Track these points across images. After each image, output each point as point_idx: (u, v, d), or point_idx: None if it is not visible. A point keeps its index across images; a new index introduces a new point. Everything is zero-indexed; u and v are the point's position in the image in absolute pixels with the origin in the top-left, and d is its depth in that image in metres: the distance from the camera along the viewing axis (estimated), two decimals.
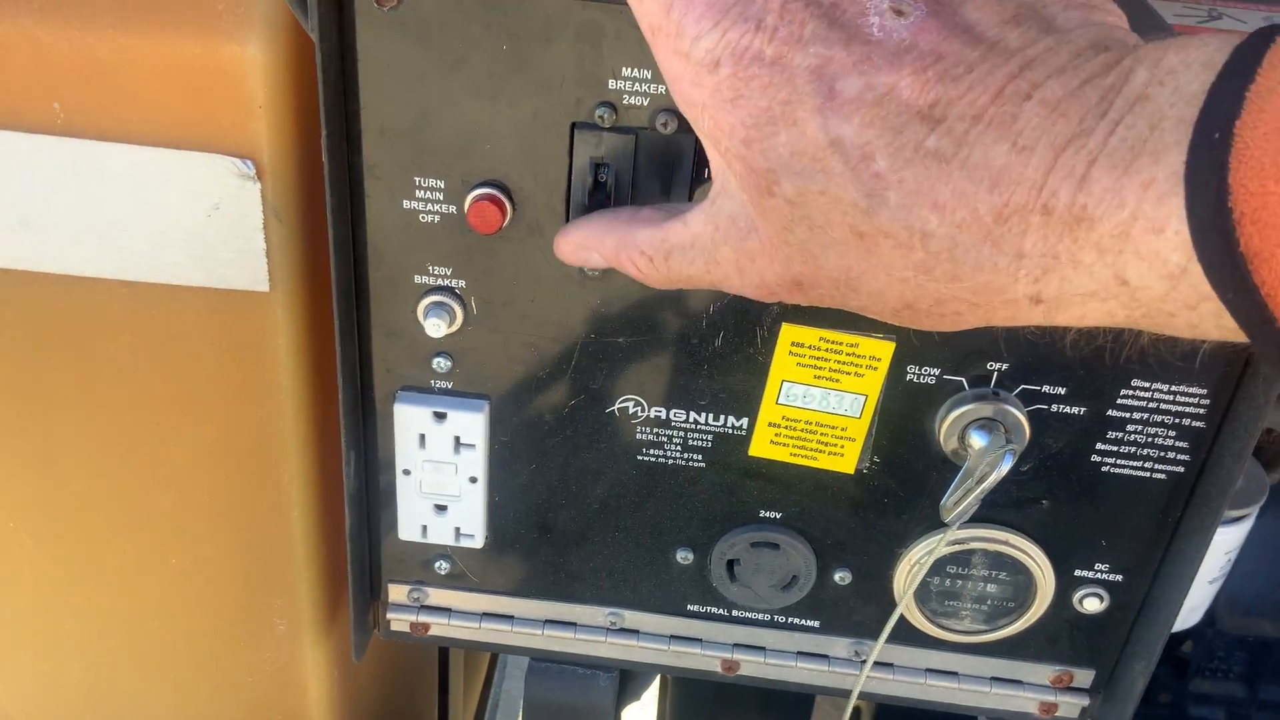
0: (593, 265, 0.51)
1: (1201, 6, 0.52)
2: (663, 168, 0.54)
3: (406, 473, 0.64)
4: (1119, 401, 0.58)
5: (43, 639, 0.71)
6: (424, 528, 0.66)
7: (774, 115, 0.36)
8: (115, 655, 0.72)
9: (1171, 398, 0.58)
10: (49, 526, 0.66)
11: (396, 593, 0.70)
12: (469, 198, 0.55)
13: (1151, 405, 0.58)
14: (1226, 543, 0.84)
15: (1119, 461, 0.60)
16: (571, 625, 0.70)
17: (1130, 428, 0.59)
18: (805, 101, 0.35)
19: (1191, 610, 0.89)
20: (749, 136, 0.36)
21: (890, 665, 0.70)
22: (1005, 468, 0.57)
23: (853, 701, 0.69)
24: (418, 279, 0.58)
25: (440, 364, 0.61)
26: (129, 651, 0.72)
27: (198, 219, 0.56)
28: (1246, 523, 0.84)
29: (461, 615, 0.71)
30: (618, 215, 0.49)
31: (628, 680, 0.84)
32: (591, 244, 0.50)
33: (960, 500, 0.58)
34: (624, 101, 0.52)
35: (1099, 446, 0.60)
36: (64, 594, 0.69)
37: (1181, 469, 0.60)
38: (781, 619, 0.69)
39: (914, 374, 0.59)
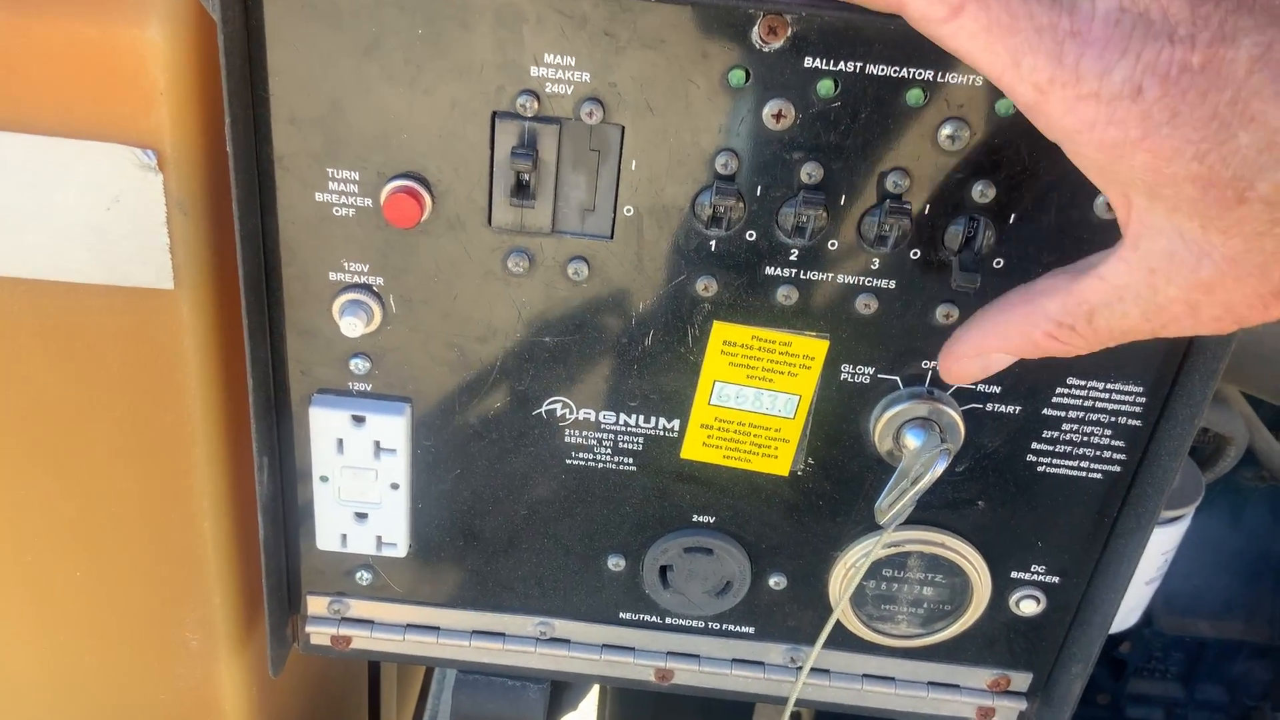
0: (998, 368, 0.48)
1: None
2: (588, 159, 0.52)
3: (324, 479, 0.61)
4: (1054, 400, 0.57)
5: None
6: (344, 536, 0.63)
7: (1225, 119, 0.34)
8: (20, 671, 0.68)
9: (1107, 396, 0.57)
10: None
11: (316, 605, 0.67)
12: (385, 190, 0.52)
13: (1087, 404, 0.57)
14: (1163, 543, 0.84)
15: (1055, 461, 0.59)
16: (500, 635, 0.68)
17: (1066, 426, 0.58)
18: (1259, 92, 0.34)
19: (1129, 611, 0.89)
20: (1202, 149, 0.35)
21: (826, 671, 0.69)
22: (940, 468, 0.55)
23: (789, 709, 0.67)
24: (332, 275, 0.56)
25: (358, 365, 0.58)
26: (34, 667, 0.68)
27: (98, 212, 0.53)
28: (1183, 523, 0.84)
29: (385, 628, 0.68)
30: (1006, 303, 0.46)
31: (560, 691, 0.82)
32: (990, 344, 0.47)
33: (895, 502, 0.57)
34: (546, 90, 0.50)
35: (1035, 446, 0.59)
36: None
37: (1118, 468, 0.59)
38: (716, 625, 0.67)
39: (848, 373, 0.57)
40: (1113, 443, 0.58)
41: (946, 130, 0.50)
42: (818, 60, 0.49)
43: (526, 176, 0.52)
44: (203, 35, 0.51)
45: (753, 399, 0.58)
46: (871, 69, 0.49)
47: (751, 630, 0.67)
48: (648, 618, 0.67)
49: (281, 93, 0.51)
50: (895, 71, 0.49)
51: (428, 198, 0.53)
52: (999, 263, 0.53)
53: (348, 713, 1.01)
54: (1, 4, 0.50)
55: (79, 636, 0.67)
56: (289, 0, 0.48)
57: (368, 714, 1.03)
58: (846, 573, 0.63)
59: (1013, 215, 0.52)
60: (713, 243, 0.54)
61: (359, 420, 0.59)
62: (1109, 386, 0.57)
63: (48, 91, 0.50)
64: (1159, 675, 1.20)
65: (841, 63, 0.49)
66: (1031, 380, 0.57)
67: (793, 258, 0.54)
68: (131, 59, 0.50)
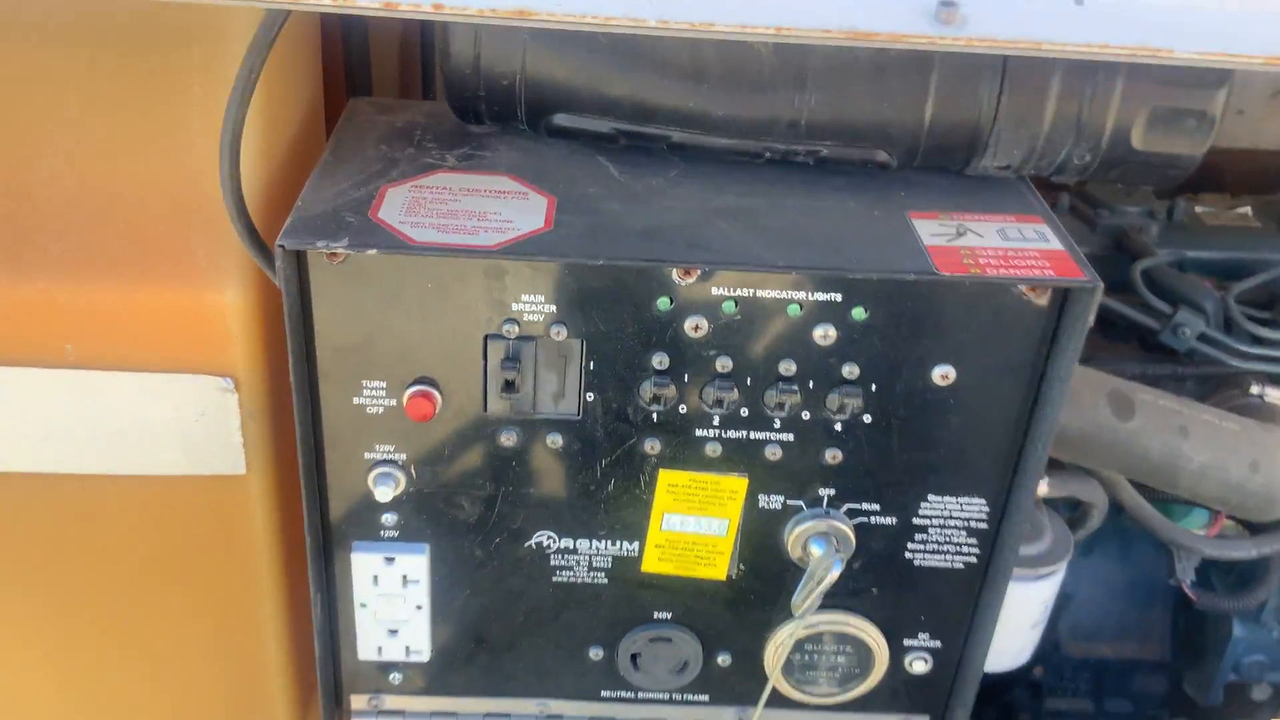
0: None
1: (951, 223, 0.70)
2: (558, 363, 0.70)
3: (364, 605, 0.78)
4: (920, 512, 0.76)
5: None
6: (379, 648, 0.80)
7: None
8: None
9: (959, 506, 0.76)
10: (71, 673, 0.79)
11: (358, 701, 0.84)
12: (406, 394, 0.70)
13: (945, 513, 0.76)
14: (1042, 594, 1.02)
15: (926, 556, 0.77)
16: (507, 716, 0.85)
17: (931, 531, 0.76)
18: None
19: (1019, 651, 1.07)
20: None
21: None
22: (837, 571, 0.73)
23: None
24: (367, 455, 0.73)
25: (388, 519, 0.75)
26: None
27: (188, 423, 0.70)
28: (1057, 577, 1.02)
29: (414, 716, 0.85)
30: None
31: None
32: None
33: (806, 597, 0.75)
34: (524, 318, 0.68)
35: (909, 546, 0.77)
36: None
37: (974, 559, 0.78)
38: (678, 696, 0.85)
39: (764, 501, 0.75)
40: (967, 540, 0.77)
41: (818, 331, 0.68)
42: (721, 289, 0.67)
43: (512, 378, 0.70)
44: (264, 293, 0.69)
45: (694, 524, 0.76)
46: (760, 293, 0.67)
47: (706, 698, 0.85)
48: (624, 694, 0.84)
49: (326, 331, 0.68)
50: (778, 294, 0.67)
51: (438, 397, 0.70)
52: (867, 418, 0.72)
53: None
54: (114, 279, 0.67)
55: None
56: (331, 271, 0.66)
57: None
58: (776, 649, 0.81)
59: (873, 384, 0.70)
60: (654, 415, 0.71)
61: (390, 560, 0.77)
62: (960, 500, 0.75)
63: (151, 341, 0.68)
64: (1070, 693, 1.38)
65: (738, 289, 0.67)
66: (903, 498, 0.75)
67: (715, 423, 0.72)
68: (213, 316, 0.67)
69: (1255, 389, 1.09)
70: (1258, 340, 1.09)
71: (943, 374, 0.70)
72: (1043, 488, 1.00)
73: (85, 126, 0.64)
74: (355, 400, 0.71)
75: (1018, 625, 1.02)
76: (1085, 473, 1.04)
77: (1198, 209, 1.25)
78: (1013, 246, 0.68)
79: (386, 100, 0.85)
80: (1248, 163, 1.36)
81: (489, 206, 0.68)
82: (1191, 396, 1.08)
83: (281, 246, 0.63)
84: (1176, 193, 1.27)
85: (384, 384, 0.70)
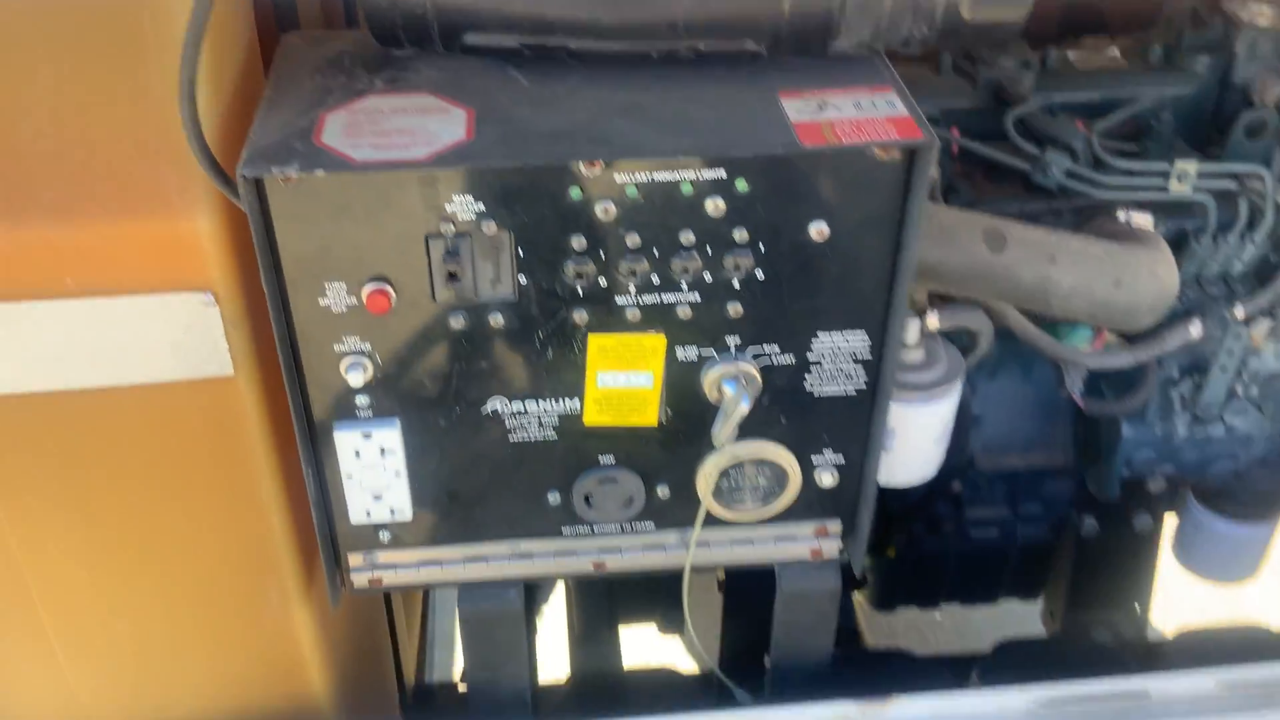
0: None
1: (814, 100, 0.81)
2: (492, 253, 0.81)
3: (350, 477, 0.91)
4: (813, 349, 0.89)
5: (108, 632, 0.97)
6: (367, 512, 0.94)
7: None
8: (165, 636, 0.98)
9: (845, 340, 0.89)
10: (102, 562, 0.92)
11: (355, 559, 0.98)
12: (364, 292, 0.82)
13: (834, 348, 0.89)
14: (940, 413, 1.16)
15: (822, 386, 0.91)
16: (484, 559, 0.99)
17: (825, 364, 0.90)
18: None
19: (926, 465, 1.21)
20: None
21: (707, 544, 1.01)
22: (746, 406, 0.87)
23: (688, 572, 1.00)
24: (337, 348, 0.85)
25: (361, 401, 0.88)
26: (173, 632, 0.98)
27: (179, 333, 0.81)
28: (953, 397, 1.16)
29: (403, 567, 0.99)
30: None
31: (533, 590, 1.13)
32: None
33: (723, 430, 0.89)
34: (458, 218, 0.79)
35: (807, 378, 0.91)
36: (123, 601, 0.95)
37: (863, 384, 0.91)
38: (628, 526, 0.99)
39: (681, 354, 0.88)
40: (855, 368, 0.90)
41: (709, 204, 0.80)
42: (623, 176, 0.79)
43: (454, 270, 0.81)
44: (231, 217, 0.79)
45: (624, 379, 0.89)
46: (657, 176, 0.79)
47: (652, 525, 0.99)
48: (582, 529, 0.99)
49: (288, 243, 0.79)
50: (671, 175, 0.79)
51: (392, 292, 0.82)
52: (759, 274, 0.84)
53: (376, 639, 1.32)
54: (101, 218, 0.77)
55: (200, 607, 0.97)
56: (286, 192, 0.77)
57: (388, 631, 1.34)
58: (705, 478, 0.95)
59: (761, 245, 0.83)
60: (579, 289, 0.84)
61: (367, 435, 0.89)
62: (845, 334, 0.88)
63: (140, 267, 0.78)
64: (988, 503, 1.55)
65: (638, 175, 0.79)
66: (796, 339, 0.88)
67: (631, 291, 0.84)
68: (190, 240, 0.78)
69: (1122, 215, 1.22)
70: (1120, 171, 1.22)
71: (818, 230, 0.82)
72: (933, 320, 1.14)
73: (59, 87, 0.73)
74: (321, 302, 0.82)
75: (922, 442, 1.17)
76: (972, 304, 1.18)
77: (1070, 54, 1.37)
78: (865, 116, 0.80)
79: (315, 33, 0.94)
80: (1126, 4, 1.47)
81: (416, 123, 0.79)
82: (1068, 228, 1.21)
83: (243, 176, 0.74)
84: (1056, 40, 1.38)
85: (344, 285, 0.82)
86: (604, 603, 1.63)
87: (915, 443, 1.16)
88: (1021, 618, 1.76)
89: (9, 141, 0.74)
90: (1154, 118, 1.29)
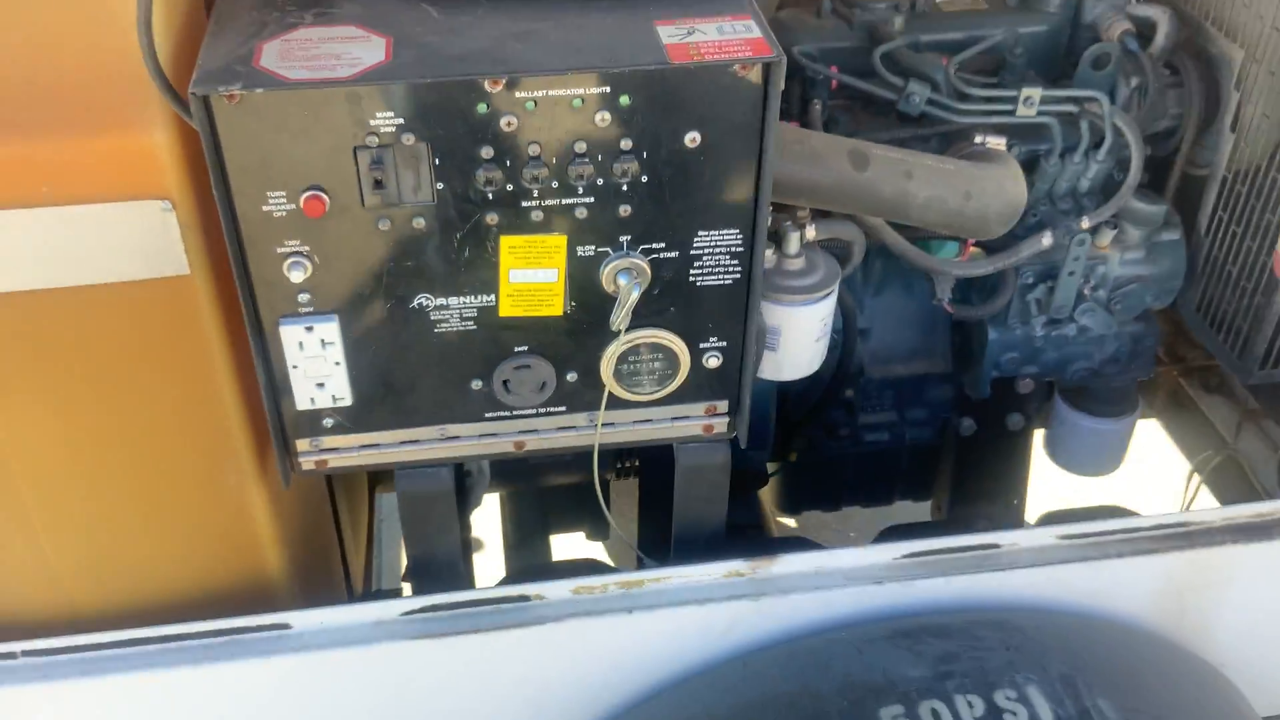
0: None
1: (684, 26, 0.96)
2: (412, 163, 0.95)
3: (295, 367, 1.05)
4: (694, 245, 1.04)
5: (84, 511, 1.09)
6: (311, 399, 1.07)
7: None
8: (134, 514, 1.11)
9: (722, 237, 1.04)
10: (77, 448, 1.04)
11: (302, 444, 1.11)
12: (301, 198, 0.95)
13: (712, 244, 1.04)
14: (819, 313, 1.31)
15: (704, 278, 1.06)
16: (416, 442, 1.13)
17: (705, 258, 1.05)
18: None
19: (811, 361, 1.36)
20: None
21: (613, 424, 1.16)
22: (637, 294, 1.01)
23: (596, 450, 1.14)
24: (279, 250, 0.98)
25: (303, 298, 1.01)
26: (142, 511, 1.10)
27: (141, 237, 0.94)
28: (830, 299, 1.31)
29: (345, 450, 1.12)
30: None
31: (461, 471, 1.27)
32: None
33: (619, 317, 1.03)
34: (381, 130, 0.93)
35: (691, 271, 1.05)
36: (97, 482, 1.07)
37: (739, 275, 1.06)
38: (543, 410, 1.13)
39: (581, 251, 1.02)
40: (731, 263, 1.05)
41: (598, 117, 0.94)
42: (523, 93, 0.92)
43: (379, 177, 0.95)
44: (184, 133, 0.92)
45: (532, 275, 1.03)
46: (552, 92, 0.93)
47: (564, 408, 1.13)
48: (502, 413, 1.13)
49: (234, 156, 0.92)
50: (564, 91, 0.93)
51: (326, 198, 0.95)
52: (644, 178, 0.98)
53: (324, 528, 1.45)
54: (72, 134, 0.89)
55: (165, 488, 1.10)
56: (231, 109, 0.89)
57: (335, 530, 1.48)
58: (608, 363, 1.09)
59: (644, 152, 0.97)
60: (489, 195, 0.97)
61: (309, 329, 1.02)
62: (723, 232, 1.03)
63: (106, 177, 0.91)
64: (878, 409, 1.71)
65: (535, 91, 0.92)
66: (680, 236, 1.03)
67: (535, 195, 0.98)
68: (150, 153, 0.91)
69: (979, 139, 1.38)
70: (975, 99, 1.38)
71: (692, 138, 0.97)
72: (810, 232, 1.30)
73: (33, 20, 0.86)
74: (264, 208, 0.95)
75: (805, 340, 1.32)
76: (845, 218, 1.34)
77: (937, 0, 1.52)
78: (726, 39, 0.94)
79: None
80: None
81: (341, 49, 0.92)
82: (934, 152, 1.36)
83: (193, 94, 0.87)
84: None
85: (284, 193, 0.95)
86: (535, 514, 1.78)
87: (798, 341, 1.32)
88: (915, 518, 1.93)
89: None
90: (1009, 53, 1.45)
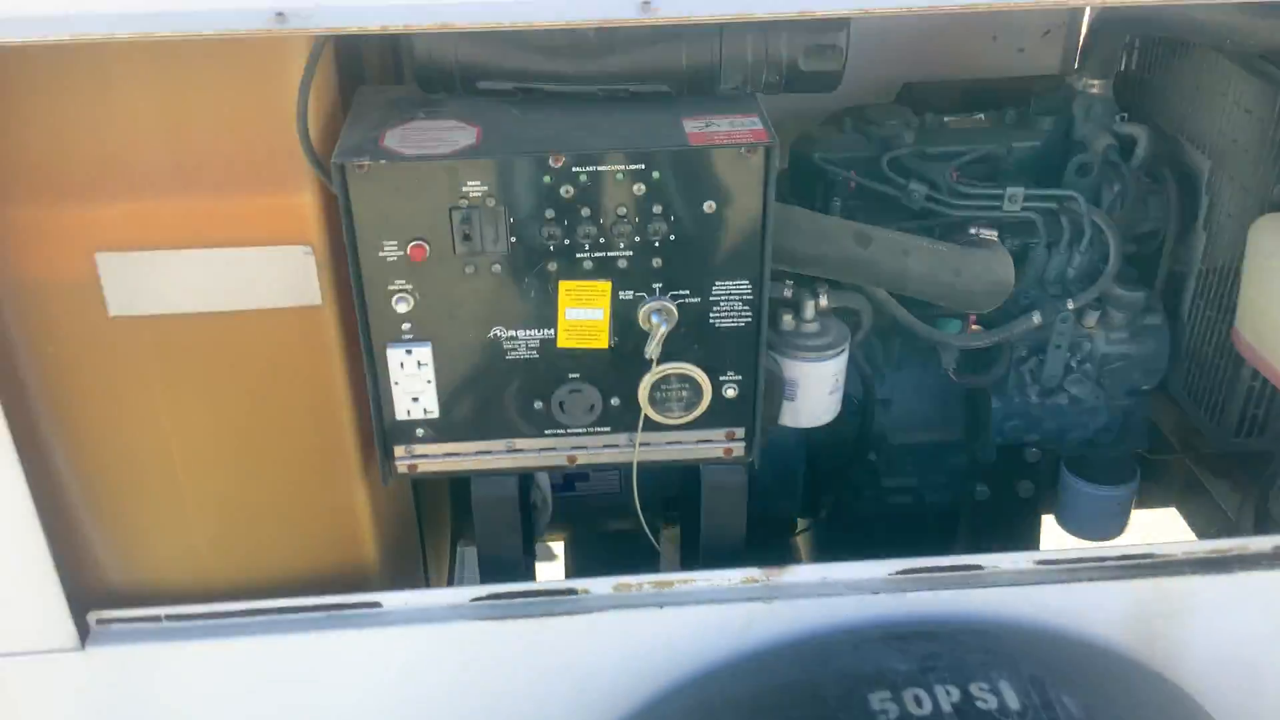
0: None
1: (703, 120, 1.24)
2: (494, 220, 1.24)
3: (396, 383, 1.33)
4: (713, 293, 1.30)
5: (225, 496, 1.37)
6: (408, 410, 1.35)
7: None
8: (264, 502, 1.38)
9: (735, 286, 1.30)
10: (226, 435, 1.33)
11: (399, 450, 1.38)
12: (408, 247, 1.24)
13: (727, 292, 1.30)
14: (831, 369, 1.54)
15: (722, 321, 1.32)
16: (489, 452, 1.39)
17: (722, 303, 1.31)
18: None
19: (825, 411, 1.59)
20: None
21: (649, 444, 1.41)
22: (665, 329, 1.28)
23: (635, 463, 1.39)
24: (389, 287, 1.27)
25: (405, 326, 1.29)
26: (270, 499, 1.38)
27: (288, 273, 1.24)
28: (842, 357, 1.55)
29: (433, 458, 1.39)
30: None
31: (525, 479, 1.52)
32: None
33: (652, 348, 1.29)
34: (470, 194, 1.22)
35: (711, 314, 1.31)
36: (237, 470, 1.35)
37: (750, 319, 1.32)
38: (592, 429, 1.39)
39: (622, 295, 1.29)
40: (744, 309, 1.31)
41: (635, 186, 1.22)
42: (578, 168, 1.21)
43: (467, 232, 1.24)
44: (325, 195, 1.23)
45: (583, 314, 1.30)
46: (600, 168, 1.22)
47: (608, 429, 1.39)
48: (558, 430, 1.39)
49: (361, 214, 1.22)
50: (609, 167, 1.21)
51: (427, 247, 1.24)
52: (672, 237, 1.26)
53: (409, 520, 1.69)
54: (248, 193, 1.20)
55: (284, 486, 1.38)
56: (360, 176, 1.20)
57: (416, 520, 1.72)
58: (644, 389, 1.35)
59: (672, 216, 1.25)
60: (550, 247, 1.26)
61: (409, 352, 1.31)
62: (734, 282, 1.29)
63: (267, 226, 1.22)
64: (900, 473, 1.92)
65: (587, 167, 1.21)
66: (701, 284, 1.29)
67: (586, 248, 1.26)
68: (299, 209, 1.21)
69: (973, 230, 1.63)
70: (967, 195, 1.64)
71: (709, 205, 1.24)
72: (824, 301, 1.55)
73: (222, 106, 1.18)
74: (380, 254, 1.25)
75: (820, 392, 1.56)
76: (855, 290, 1.59)
77: (946, 119, 1.80)
78: (735, 129, 1.22)
79: (380, 86, 1.39)
80: (1021, 88, 1.89)
81: (444, 135, 1.22)
82: None
83: (335, 164, 1.18)
84: (954, 111, 1.81)
85: (396, 242, 1.24)
86: (595, 551, 2.01)
87: (814, 393, 1.56)
88: None
89: (191, 142, 1.18)
90: (1004, 161, 1.71)
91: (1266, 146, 1.58)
